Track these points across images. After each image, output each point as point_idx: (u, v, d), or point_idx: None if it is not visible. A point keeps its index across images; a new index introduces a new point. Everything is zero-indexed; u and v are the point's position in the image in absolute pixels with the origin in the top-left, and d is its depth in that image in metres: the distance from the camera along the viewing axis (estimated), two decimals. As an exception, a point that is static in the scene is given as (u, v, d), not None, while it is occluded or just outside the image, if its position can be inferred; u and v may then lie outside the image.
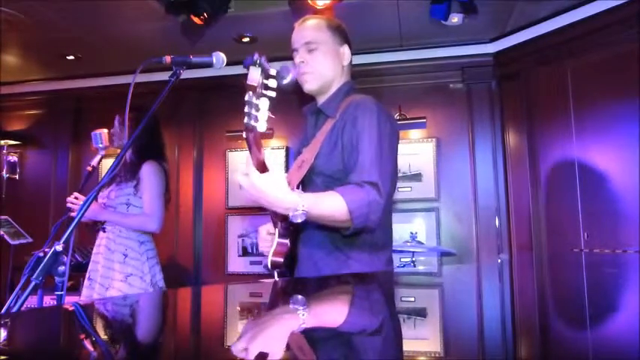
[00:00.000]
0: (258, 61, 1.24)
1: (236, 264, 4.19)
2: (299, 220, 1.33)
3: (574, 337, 0.68)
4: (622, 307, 0.89)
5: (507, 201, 3.77)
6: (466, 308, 0.97)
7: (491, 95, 3.93)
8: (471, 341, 0.69)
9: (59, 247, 1.19)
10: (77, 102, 4.65)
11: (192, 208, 4.29)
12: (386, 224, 1.61)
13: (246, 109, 1.25)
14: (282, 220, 1.50)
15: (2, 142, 4.65)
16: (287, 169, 3.94)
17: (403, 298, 1.16)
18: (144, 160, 2.62)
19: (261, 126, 1.25)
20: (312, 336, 0.64)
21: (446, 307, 1.00)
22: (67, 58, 4.13)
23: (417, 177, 3.92)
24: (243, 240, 4.19)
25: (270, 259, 1.52)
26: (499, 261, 3.49)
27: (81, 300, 2.57)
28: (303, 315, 0.76)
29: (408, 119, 3.91)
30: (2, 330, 0.70)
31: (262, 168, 1.30)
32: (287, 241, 1.52)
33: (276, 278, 1.55)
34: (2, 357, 0.56)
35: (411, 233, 3.88)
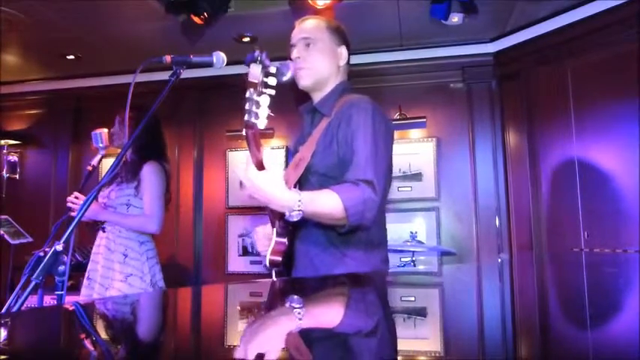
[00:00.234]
0: (259, 58, 1.26)
1: (236, 264, 4.19)
2: (295, 219, 1.35)
3: (574, 337, 0.68)
4: (622, 307, 0.89)
5: (507, 201, 3.77)
6: (466, 308, 0.97)
7: (492, 95, 3.93)
8: (471, 341, 0.69)
9: (59, 247, 1.19)
10: (77, 102, 4.65)
11: (193, 208, 4.29)
12: (381, 223, 1.63)
13: (246, 106, 1.26)
14: (279, 219, 1.51)
15: (2, 141, 4.65)
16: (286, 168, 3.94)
17: (403, 298, 1.16)
18: (145, 161, 2.61)
19: (261, 123, 1.26)
20: (309, 337, 0.64)
21: (446, 307, 1.00)
22: (67, 57, 4.13)
23: (417, 176, 3.92)
24: (243, 239, 4.19)
25: (268, 258, 1.53)
26: (499, 260, 3.49)
27: (81, 299, 2.57)
28: (299, 316, 0.76)
29: (408, 119, 3.91)
30: (2, 330, 0.70)
31: (260, 166, 1.32)
32: (285, 240, 1.53)
33: (274, 277, 1.57)
34: (2, 357, 0.56)
35: (411, 233, 3.88)
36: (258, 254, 1.59)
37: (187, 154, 4.39)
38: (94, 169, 2.51)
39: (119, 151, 1.46)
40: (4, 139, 4.65)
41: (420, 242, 3.85)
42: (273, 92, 1.28)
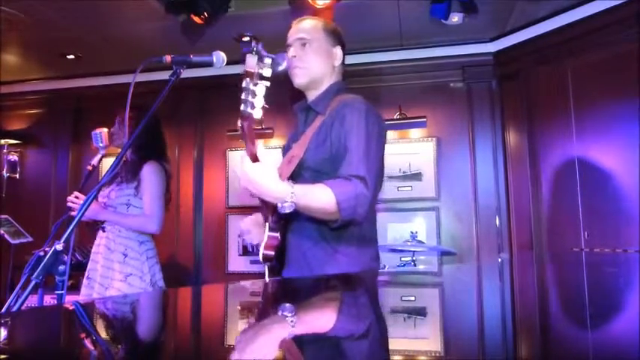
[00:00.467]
0: (255, 49, 1.28)
1: (236, 263, 4.19)
2: (288, 211, 1.37)
3: (574, 337, 0.68)
4: (622, 307, 0.89)
5: (508, 200, 3.77)
6: (466, 308, 0.97)
7: (492, 94, 3.93)
8: (472, 340, 0.69)
9: (59, 247, 1.19)
10: (77, 101, 4.65)
11: (193, 208, 4.29)
12: (372, 220, 1.66)
13: (242, 96, 1.29)
14: (272, 213, 1.54)
15: (2, 141, 4.65)
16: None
17: (403, 298, 1.16)
18: (145, 161, 2.61)
19: (257, 113, 1.29)
20: (302, 343, 0.64)
21: (446, 307, 1.00)
22: (68, 57, 4.13)
23: (417, 176, 3.92)
24: (243, 239, 4.19)
25: (261, 252, 1.55)
26: (499, 260, 3.49)
27: (80, 299, 2.57)
28: (292, 323, 0.76)
29: (408, 118, 3.91)
30: (2, 329, 0.70)
31: (255, 159, 1.36)
32: (277, 235, 1.55)
33: (267, 273, 1.59)
34: (2, 356, 0.56)
35: (412, 232, 3.88)
36: (244, 251, 1.61)
37: (187, 154, 4.39)
38: (94, 168, 2.50)
39: (119, 150, 1.46)
40: (4, 138, 4.65)
41: (420, 242, 3.84)
42: (268, 83, 1.31)
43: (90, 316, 0.84)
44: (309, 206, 1.41)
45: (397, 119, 3.93)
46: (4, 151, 4.63)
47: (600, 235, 3.13)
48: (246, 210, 4.14)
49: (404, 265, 3.63)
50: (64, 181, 4.53)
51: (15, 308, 1.12)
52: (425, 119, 3.83)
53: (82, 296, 2.60)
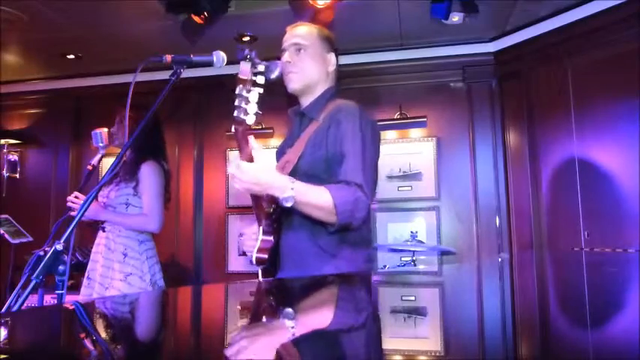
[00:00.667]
0: (248, 56, 1.30)
1: (236, 263, 4.19)
2: (288, 204, 1.39)
3: (574, 336, 0.68)
4: (622, 307, 0.89)
5: (508, 200, 3.77)
6: (466, 307, 0.97)
7: (492, 94, 3.93)
8: (472, 340, 0.69)
9: (59, 246, 1.19)
10: (77, 101, 4.65)
11: (193, 208, 4.30)
12: (365, 223, 1.65)
13: (236, 102, 1.31)
14: (265, 217, 1.56)
15: (3, 141, 4.65)
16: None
17: (403, 298, 1.16)
18: (143, 160, 2.61)
19: (250, 119, 1.32)
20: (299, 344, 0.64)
21: (446, 306, 1.00)
22: (68, 57, 4.13)
23: (417, 176, 3.92)
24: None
25: (254, 255, 1.56)
26: (499, 260, 3.49)
27: (80, 299, 2.57)
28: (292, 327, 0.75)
29: (408, 118, 3.91)
30: (3, 329, 0.70)
31: (250, 160, 1.41)
32: (271, 238, 1.57)
33: (260, 276, 1.60)
34: (2, 356, 0.56)
35: (412, 232, 3.88)
36: (244, 254, 1.63)
37: (187, 153, 4.39)
38: (94, 168, 2.51)
39: (119, 150, 1.46)
40: (4, 138, 4.65)
41: (420, 242, 3.85)
42: (261, 90, 1.33)
43: (90, 316, 0.84)
44: (308, 203, 1.42)
45: (397, 119, 3.94)
46: (4, 150, 4.63)
47: (600, 235, 3.13)
48: (246, 210, 4.14)
49: (404, 264, 3.63)
50: (64, 180, 4.53)
51: (15, 308, 1.12)
52: (425, 119, 3.83)
53: (82, 296, 2.60)
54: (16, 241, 3.59)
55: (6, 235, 3.58)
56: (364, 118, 1.58)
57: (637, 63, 2.94)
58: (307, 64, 1.66)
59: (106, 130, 2.60)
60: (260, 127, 4.14)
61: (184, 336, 0.73)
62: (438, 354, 0.62)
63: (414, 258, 3.49)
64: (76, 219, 1.25)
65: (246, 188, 1.41)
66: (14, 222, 3.68)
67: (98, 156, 2.57)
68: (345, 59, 3.97)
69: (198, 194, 4.33)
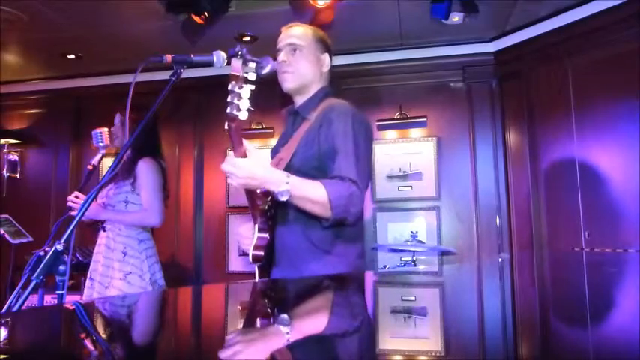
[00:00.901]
0: (240, 53, 1.32)
1: (236, 263, 4.19)
2: (284, 198, 1.41)
3: (575, 336, 0.68)
4: (622, 306, 0.89)
5: (508, 200, 3.77)
6: (467, 307, 0.97)
7: (492, 94, 3.93)
8: (472, 340, 0.69)
9: (60, 246, 1.19)
10: (78, 101, 4.65)
11: (193, 208, 4.30)
12: (360, 219, 1.66)
13: (229, 98, 1.33)
14: (260, 215, 1.58)
15: (3, 141, 4.65)
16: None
17: (404, 297, 1.16)
18: (139, 157, 2.62)
19: (242, 115, 1.34)
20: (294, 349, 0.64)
21: (447, 306, 1.00)
22: (68, 57, 4.13)
23: (417, 176, 3.92)
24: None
25: (250, 253, 1.59)
26: (500, 260, 3.49)
27: (83, 300, 2.57)
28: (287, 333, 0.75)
29: (408, 118, 3.91)
30: (3, 329, 0.70)
31: (244, 156, 1.43)
32: (266, 235, 1.59)
33: (257, 273, 1.63)
34: (3, 356, 0.56)
35: (412, 232, 3.87)
36: (244, 254, 1.65)
37: (188, 153, 4.39)
38: (95, 168, 2.51)
39: (119, 150, 1.47)
40: (4, 138, 4.65)
41: (420, 242, 3.85)
42: (253, 86, 1.35)
43: (90, 316, 0.84)
44: (303, 197, 1.44)
45: (397, 119, 3.94)
46: (5, 150, 4.63)
47: (601, 235, 3.13)
48: (246, 210, 4.13)
49: (404, 264, 3.63)
50: (65, 180, 4.53)
51: (15, 308, 1.12)
52: (425, 119, 3.83)
53: (85, 297, 2.60)
54: (17, 241, 3.59)
55: (6, 235, 3.58)
56: (356, 116, 1.59)
57: (637, 63, 2.94)
58: (302, 64, 1.68)
59: (106, 130, 2.60)
60: (260, 127, 4.14)
61: (181, 336, 0.73)
62: (438, 354, 0.62)
63: (414, 258, 3.49)
64: (77, 219, 1.25)
65: (242, 184, 1.42)
66: (14, 222, 3.68)
67: (98, 156, 2.57)
68: (346, 59, 3.97)
69: (199, 194, 4.33)
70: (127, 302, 1.12)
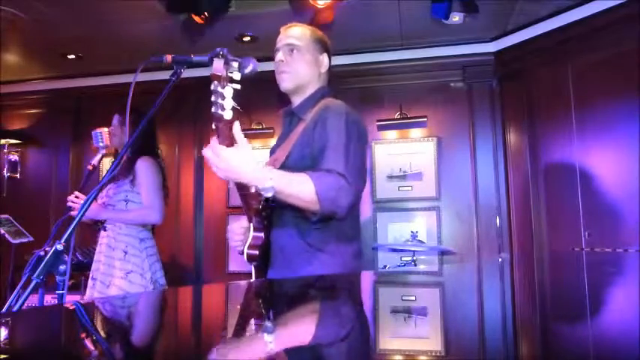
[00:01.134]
0: (221, 53, 1.33)
1: (237, 263, 4.19)
2: (268, 195, 1.38)
3: (575, 336, 0.68)
4: (623, 307, 0.89)
5: (508, 200, 3.77)
6: (467, 307, 0.97)
7: (492, 94, 3.93)
8: (472, 340, 0.69)
9: (60, 246, 1.20)
10: (78, 101, 4.65)
11: (193, 207, 4.30)
12: (353, 218, 1.66)
13: (212, 98, 1.33)
14: (255, 214, 1.58)
15: (3, 141, 4.65)
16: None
17: (404, 297, 1.16)
18: (138, 156, 2.63)
19: (227, 114, 1.34)
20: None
21: (447, 307, 1.00)
22: (68, 57, 4.14)
23: (417, 176, 3.92)
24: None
25: (245, 252, 1.59)
26: (500, 260, 3.49)
27: (83, 300, 2.57)
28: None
29: (408, 118, 3.92)
30: (3, 329, 0.70)
31: (230, 146, 1.39)
32: (261, 235, 1.59)
33: (253, 275, 1.63)
34: (3, 356, 0.56)
35: (412, 232, 3.88)
36: (242, 253, 1.64)
37: (188, 153, 4.39)
38: (95, 168, 2.51)
39: (118, 150, 1.47)
40: (4, 138, 4.66)
41: (420, 242, 3.85)
42: (237, 86, 1.35)
43: (90, 316, 0.84)
44: (289, 193, 1.40)
45: (398, 119, 3.94)
46: (5, 150, 4.63)
47: (601, 235, 3.12)
48: (246, 210, 4.14)
49: (404, 264, 3.63)
50: (65, 180, 4.53)
51: (16, 308, 1.12)
52: (425, 119, 3.83)
53: (87, 297, 2.60)
54: (17, 241, 3.59)
55: (6, 235, 3.59)
56: (350, 115, 1.58)
57: (637, 63, 2.94)
58: (299, 65, 1.68)
59: (106, 130, 2.61)
60: (260, 127, 4.14)
61: (183, 336, 0.73)
62: (438, 354, 0.62)
63: (414, 258, 3.50)
64: (77, 219, 1.25)
65: (222, 175, 1.40)
66: (15, 222, 3.68)
67: (98, 156, 2.57)
68: (346, 59, 3.97)
69: (199, 194, 4.33)
70: (126, 303, 1.12)
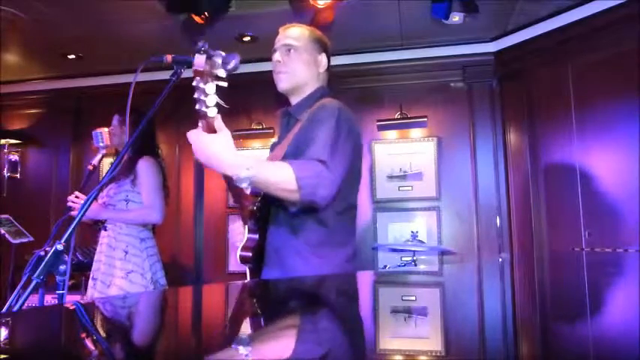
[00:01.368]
0: (203, 48, 1.30)
1: (237, 263, 4.17)
2: (245, 185, 1.34)
3: (575, 336, 0.68)
4: (623, 307, 0.89)
5: (508, 200, 3.77)
6: (467, 307, 0.97)
7: (492, 94, 3.93)
8: (472, 340, 0.69)
9: (60, 246, 1.20)
10: (78, 101, 4.66)
11: (193, 208, 4.30)
12: (347, 221, 1.65)
13: (195, 95, 1.31)
14: (250, 216, 1.58)
15: (3, 141, 4.65)
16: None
17: (404, 297, 1.16)
18: (139, 156, 2.63)
19: (211, 111, 1.31)
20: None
21: (447, 306, 1.00)
22: (68, 57, 4.14)
23: (417, 176, 3.92)
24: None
25: (238, 254, 1.59)
26: (500, 260, 3.49)
27: (83, 299, 2.57)
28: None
29: (408, 118, 3.92)
30: (3, 329, 0.70)
31: (212, 132, 1.35)
32: (256, 237, 1.59)
33: (248, 276, 1.64)
34: (3, 356, 0.56)
35: (412, 232, 3.88)
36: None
37: (188, 153, 4.38)
38: (95, 168, 2.51)
39: (118, 150, 1.47)
40: (4, 138, 4.66)
41: (420, 242, 3.85)
42: (222, 82, 1.33)
43: (91, 316, 0.84)
44: (267, 181, 1.37)
45: (398, 119, 3.94)
46: (5, 150, 4.64)
47: (601, 235, 3.13)
48: (246, 210, 4.14)
49: (404, 264, 3.63)
50: (65, 180, 4.54)
51: (16, 308, 1.12)
52: (425, 119, 3.84)
53: (88, 297, 2.60)
54: (17, 241, 3.59)
55: (7, 235, 3.59)
56: (343, 113, 1.56)
57: (637, 63, 2.94)
58: (297, 65, 1.67)
59: (106, 129, 2.61)
60: (260, 127, 4.14)
61: (176, 336, 0.73)
62: (438, 354, 0.62)
63: (414, 258, 3.50)
64: (77, 219, 1.25)
65: (203, 159, 1.35)
66: (15, 222, 3.68)
67: (99, 156, 2.57)
68: (346, 59, 3.97)
69: (199, 194, 4.33)
70: (127, 303, 1.12)
